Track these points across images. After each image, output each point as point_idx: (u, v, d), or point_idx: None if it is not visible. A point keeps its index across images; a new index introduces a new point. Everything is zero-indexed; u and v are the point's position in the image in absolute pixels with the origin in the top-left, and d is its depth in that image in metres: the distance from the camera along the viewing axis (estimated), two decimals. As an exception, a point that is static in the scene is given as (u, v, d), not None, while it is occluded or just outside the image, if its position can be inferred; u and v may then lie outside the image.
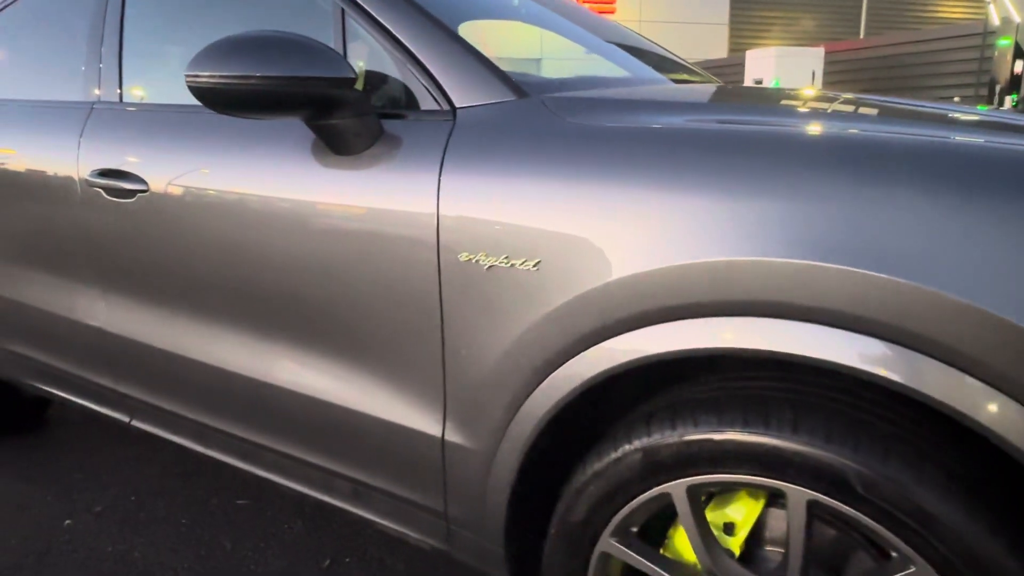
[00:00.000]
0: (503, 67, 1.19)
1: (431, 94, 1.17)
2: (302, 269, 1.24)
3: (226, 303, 1.39)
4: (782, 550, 0.95)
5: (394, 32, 1.21)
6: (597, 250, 0.94)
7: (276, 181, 1.26)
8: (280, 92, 1.10)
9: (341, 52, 1.29)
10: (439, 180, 1.08)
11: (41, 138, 1.72)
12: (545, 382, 1.02)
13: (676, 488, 0.94)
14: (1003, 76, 9.98)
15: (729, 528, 0.97)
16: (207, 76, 1.10)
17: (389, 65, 1.24)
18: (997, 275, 0.71)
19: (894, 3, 20.67)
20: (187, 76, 1.11)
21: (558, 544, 1.07)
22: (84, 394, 1.84)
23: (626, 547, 1.01)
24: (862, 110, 1.17)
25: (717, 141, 0.92)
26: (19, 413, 2.40)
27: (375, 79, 1.25)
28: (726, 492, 0.97)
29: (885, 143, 0.84)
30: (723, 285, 0.85)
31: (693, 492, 0.94)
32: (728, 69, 14.99)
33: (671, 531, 1.04)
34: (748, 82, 13.74)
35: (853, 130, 0.90)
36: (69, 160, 1.62)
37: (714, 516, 0.97)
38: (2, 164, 1.80)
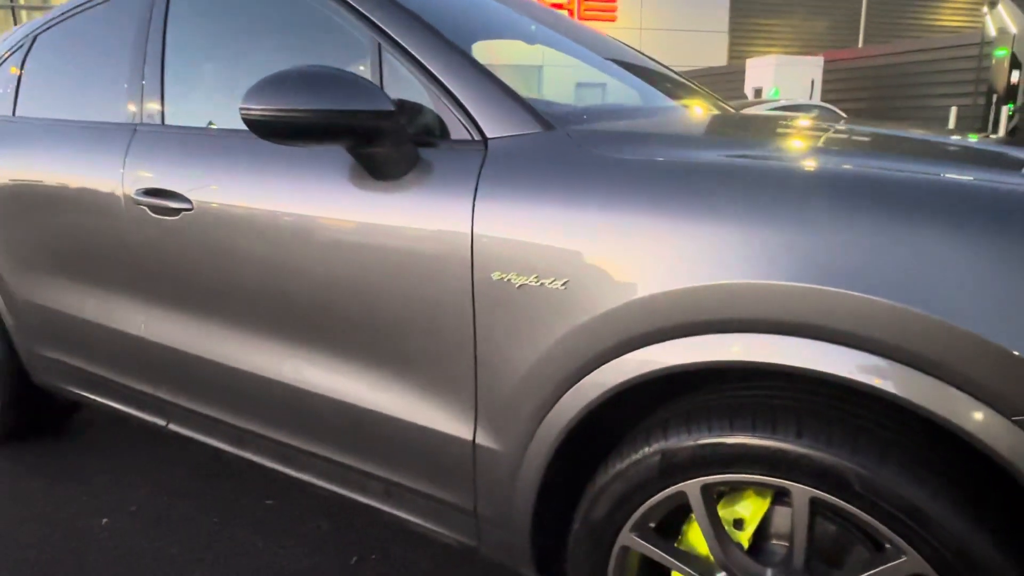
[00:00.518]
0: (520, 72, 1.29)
1: (463, 125, 1.27)
2: (342, 284, 1.34)
3: (267, 315, 1.49)
4: (786, 543, 1.05)
5: (429, 67, 1.32)
6: (619, 272, 1.04)
7: (317, 202, 1.36)
8: (326, 124, 1.20)
9: (378, 83, 1.39)
10: (473, 205, 1.18)
11: (87, 157, 1.82)
12: (571, 391, 1.11)
13: (691, 487, 1.04)
14: (1000, 85, 10.11)
15: (738, 523, 1.07)
16: (260, 109, 1.20)
17: (423, 96, 1.34)
18: (973, 297, 0.81)
19: (892, 12, 20.83)
20: (241, 108, 1.22)
21: (582, 538, 1.17)
22: (122, 399, 1.94)
23: (644, 541, 1.11)
24: (857, 144, 1.27)
25: (726, 175, 1.02)
26: (50, 419, 2.50)
27: (410, 109, 1.35)
28: (735, 491, 1.07)
29: (877, 179, 0.94)
30: (732, 304, 0.95)
31: (707, 491, 1.04)
32: (728, 77, 15.16)
33: (685, 527, 1.14)
34: (748, 89, 13.88)
35: (848, 166, 1.00)
36: (114, 178, 1.72)
37: (725, 512, 1.07)
38: (48, 181, 1.90)
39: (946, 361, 0.83)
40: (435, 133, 1.32)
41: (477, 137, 1.25)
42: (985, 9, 10.12)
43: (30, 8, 16.90)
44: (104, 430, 2.57)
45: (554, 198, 1.11)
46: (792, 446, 0.95)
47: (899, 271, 0.85)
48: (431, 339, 1.26)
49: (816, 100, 12.13)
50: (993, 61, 10.13)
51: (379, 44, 1.41)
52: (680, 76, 2.17)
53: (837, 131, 1.39)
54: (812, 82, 12.67)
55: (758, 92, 12.97)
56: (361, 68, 1.54)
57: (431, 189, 1.24)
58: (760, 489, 1.05)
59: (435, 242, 1.21)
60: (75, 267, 1.89)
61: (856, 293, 0.86)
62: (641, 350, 1.03)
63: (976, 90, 10.65)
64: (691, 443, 1.02)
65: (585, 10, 18.17)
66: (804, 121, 1.61)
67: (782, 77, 12.71)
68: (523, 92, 1.31)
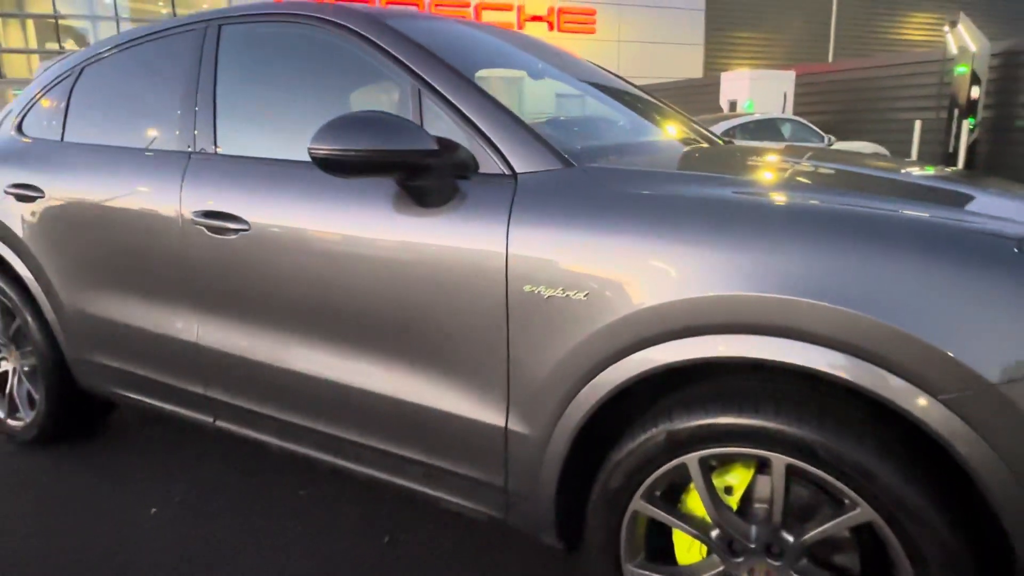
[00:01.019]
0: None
1: (495, 162, 1.51)
2: (389, 296, 1.57)
3: (318, 322, 1.71)
4: (766, 505, 1.30)
5: (466, 112, 1.56)
6: (632, 285, 1.28)
7: (367, 226, 1.59)
8: (382, 161, 1.44)
9: (417, 123, 1.63)
10: (508, 229, 1.42)
11: (144, 180, 2.02)
12: (591, 383, 1.36)
13: (691, 460, 1.29)
14: (961, 101, 10.61)
15: (728, 490, 1.32)
16: (327, 149, 1.44)
17: (456, 135, 1.58)
18: (903, 303, 1.06)
19: (860, 28, 21.51)
20: (310, 148, 1.45)
21: (599, 506, 1.41)
22: (171, 400, 2.15)
23: (652, 506, 1.36)
24: (827, 181, 1.54)
25: (720, 207, 1.27)
26: (89, 420, 2.68)
27: (447, 147, 1.58)
28: (725, 464, 1.32)
29: (837, 213, 1.19)
30: (726, 311, 1.20)
31: (703, 462, 1.28)
32: (704, 89, 15.59)
33: (683, 495, 1.38)
34: (723, 102, 14.29)
35: (816, 201, 1.25)
36: (171, 201, 1.94)
37: (717, 482, 1.32)
38: (104, 202, 2.10)
39: (885, 353, 1.08)
40: (468, 167, 1.55)
41: (507, 172, 1.49)
42: (947, 28, 10.62)
43: (135, 20, 17.31)
44: (138, 431, 2.76)
45: (577, 225, 1.35)
46: (771, 424, 1.20)
47: (850, 285, 1.10)
48: (469, 342, 1.49)
49: (788, 113, 12.55)
50: (954, 78, 10.64)
51: (418, 90, 1.64)
52: (674, 109, 2.43)
53: (814, 167, 1.66)
54: (784, 95, 13.11)
55: (733, 105, 13.38)
56: (396, 106, 1.78)
57: (470, 216, 1.47)
58: (746, 461, 1.30)
59: (474, 260, 1.45)
60: (130, 280, 2.09)
61: (820, 302, 1.12)
62: (650, 349, 1.28)
63: (939, 105, 11.15)
64: (691, 424, 1.27)
65: (565, 23, 18.54)
66: (778, 156, 1.88)
67: (756, 90, 13.14)
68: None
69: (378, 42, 1.71)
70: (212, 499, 2.24)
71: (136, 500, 2.24)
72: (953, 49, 10.58)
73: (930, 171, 1.87)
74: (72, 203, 2.20)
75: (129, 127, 2.21)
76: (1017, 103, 10.46)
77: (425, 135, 1.46)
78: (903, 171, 1.75)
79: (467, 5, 18.24)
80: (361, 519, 2.12)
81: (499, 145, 1.51)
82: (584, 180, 1.43)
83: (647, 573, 1.41)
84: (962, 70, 10.44)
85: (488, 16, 17.95)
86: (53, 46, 18.61)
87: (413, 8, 16.84)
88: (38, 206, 2.29)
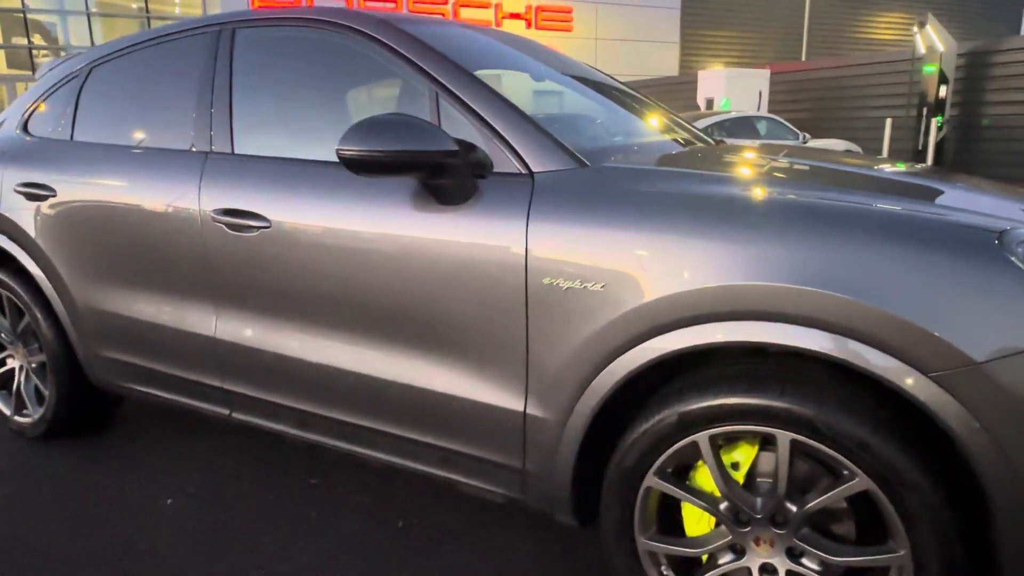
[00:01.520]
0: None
1: (511, 161, 1.60)
2: (411, 288, 1.65)
3: (340, 315, 1.79)
4: (770, 479, 1.41)
5: (483, 115, 1.64)
6: (647, 276, 1.38)
7: (389, 222, 1.67)
8: (407, 162, 1.53)
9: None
10: (527, 225, 1.51)
11: (161, 179, 2.08)
12: (607, 368, 1.45)
13: (702, 438, 1.39)
14: (930, 99, 10.91)
15: (735, 465, 1.43)
16: (356, 150, 1.52)
17: (472, 136, 1.66)
18: (895, 288, 1.18)
19: (831, 27, 21.93)
20: (339, 149, 1.53)
21: (615, 483, 1.51)
22: (186, 393, 2.20)
23: (665, 482, 1.46)
24: (818, 178, 1.65)
25: (725, 203, 1.38)
26: (98, 415, 2.72)
27: (465, 148, 1.66)
28: (731, 441, 1.43)
29: (829, 208, 1.31)
30: (733, 300, 1.30)
31: (713, 440, 1.39)
32: (681, 87, 15.81)
33: (692, 472, 1.49)
34: (700, 99, 14.50)
35: (809, 198, 1.36)
36: (190, 199, 1.99)
37: (724, 458, 1.42)
38: (120, 200, 2.15)
39: (880, 336, 1.20)
40: (485, 167, 1.63)
41: (524, 171, 1.59)
42: (915, 29, 10.92)
43: (161, 18, 17.12)
44: (150, 424, 2.80)
45: (595, 221, 1.45)
46: (777, 402, 1.31)
47: (852, 275, 1.22)
48: (489, 331, 1.58)
49: (764, 111, 12.80)
50: (923, 77, 10.94)
51: (435, 92, 1.72)
52: (667, 110, 2.54)
53: (811, 167, 1.78)
54: (760, 94, 13.35)
55: (710, 103, 13.60)
56: (409, 109, 1.86)
57: (489, 213, 1.56)
58: (751, 439, 1.41)
59: (495, 255, 1.54)
60: (145, 277, 2.15)
61: (818, 290, 1.23)
62: (664, 335, 1.38)
63: (908, 103, 11.45)
64: (703, 404, 1.37)
65: (542, 20, 18.64)
66: (772, 155, 1.99)
67: (732, 88, 13.37)
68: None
69: (395, 46, 1.79)
70: (225, 489, 2.30)
71: (151, 491, 2.30)
72: (921, 49, 10.88)
73: (901, 167, 1.99)
74: (86, 202, 2.24)
75: (142, 127, 2.26)
76: (983, 101, 10.80)
77: (447, 136, 1.55)
78: (888, 169, 1.88)
79: (444, 3, 18.24)
80: (373, 505, 2.20)
81: (516, 146, 1.60)
82: (599, 179, 1.52)
83: (659, 545, 1.51)
84: (930, 69, 10.74)
85: (466, 14, 17.98)
86: (21, 40, 18.26)
87: (421, 14, 16.81)
88: (49, 205, 2.32)
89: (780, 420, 1.31)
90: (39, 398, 2.62)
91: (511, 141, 1.61)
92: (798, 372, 1.35)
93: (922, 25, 10.74)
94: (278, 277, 1.87)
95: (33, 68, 17.19)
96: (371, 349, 1.77)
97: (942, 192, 1.63)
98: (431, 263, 1.62)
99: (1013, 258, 1.19)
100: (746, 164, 1.80)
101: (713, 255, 1.33)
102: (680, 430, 1.41)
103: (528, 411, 1.58)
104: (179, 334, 2.11)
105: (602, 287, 1.43)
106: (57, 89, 2.52)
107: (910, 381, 1.20)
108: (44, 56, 18.03)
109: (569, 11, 18.97)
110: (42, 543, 2.03)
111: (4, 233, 2.48)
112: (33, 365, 2.62)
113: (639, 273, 1.39)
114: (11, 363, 2.71)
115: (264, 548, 1.98)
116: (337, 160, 1.78)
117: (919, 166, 2.06)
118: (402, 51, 1.78)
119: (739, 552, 1.45)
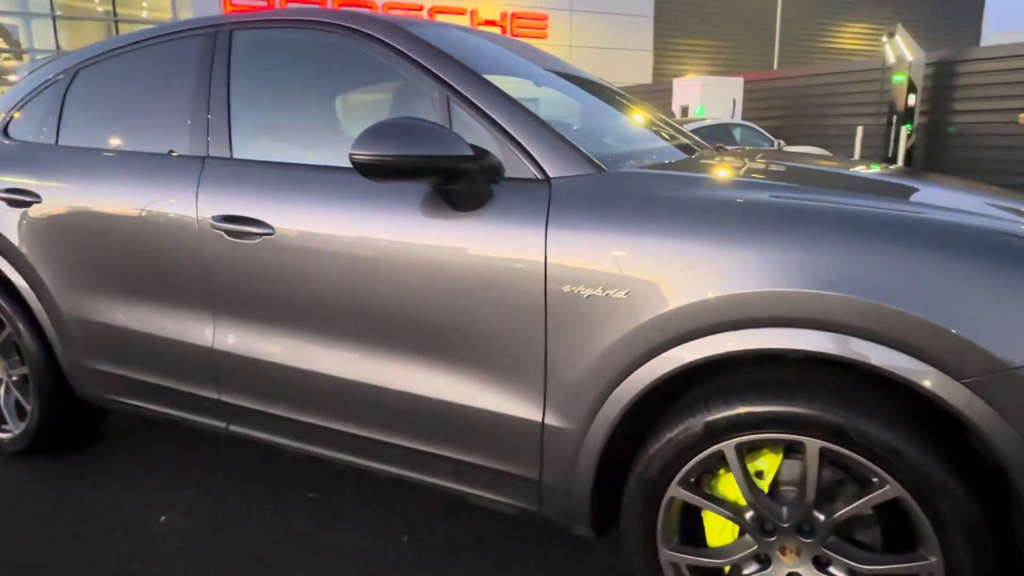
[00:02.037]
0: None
1: (527, 166, 1.57)
2: (425, 296, 1.61)
3: (347, 324, 1.74)
4: (794, 488, 1.39)
5: (498, 120, 1.61)
6: (671, 283, 1.36)
7: (400, 229, 1.63)
8: (421, 167, 1.49)
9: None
10: (546, 231, 1.48)
11: (155, 185, 2.00)
12: (629, 377, 1.43)
13: (728, 447, 1.38)
14: (899, 108, 11.15)
15: (760, 474, 1.41)
16: (370, 155, 1.47)
17: (485, 140, 1.63)
18: (927, 294, 1.17)
19: (803, 36, 22.37)
20: (352, 153, 1.48)
21: (637, 493, 1.49)
22: (179, 406, 2.13)
23: (689, 491, 1.44)
24: (834, 182, 1.65)
25: (752, 208, 1.36)
26: (82, 429, 2.62)
27: (479, 153, 1.63)
28: (754, 450, 1.41)
29: (851, 213, 1.30)
30: (764, 307, 1.29)
31: (740, 448, 1.37)
32: (656, 95, 15.94)
33: (714, 481, 1.47)
34: (675, 107, 14.64)
35: (831, 203, 1.35)
36: (187, 206, 1.93)
37: (749, 466, 1.41)
38: (111, 207, 2.07)
39: (912, 342, 1.19)
40: (498, 172, 1.60)
41: (541, 177, 1.56)
42: (885, 39, 11.15)
43: (129, 21, 16.68)
44: (138, 438, 2.71)
45: (617, 227, 1.43)
46: (806, 410, 1.29)
47: (879, 280, 1.21)
48: (506, 340, 1.55)
49: (738, 119, 12.96)
50: (892, 85, 11.18)
51: (447, 97, 1.69)
52: (665, 117, 2.53)
53: (824, 172, 1.78)
54: (734, 101, 13.52)
55: (685, 110, 13.73)
56: (418, 113, 1.82)
57: (505, 219, 1.53)
58: (774, 447, 1.39)
59: (513, 261, 1.51)
60: (138, 285, 2.07)
61: (848, 295, 1.22)
62: (691, 343, 1.36)
63: (879, 111, 11.69)
64: (729, 413, 1.35)
65: (518, 27, 18.68)
66: (781, 160, 1.99)
67: (707, 96, 13.52)
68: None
69: (405, 50, 1.75)
70: (222, 504, 2.23)
71: (144, 508, 2.21)
72: (891, 58, 11.11)
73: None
74: (74, 209, 2.16)
75: (133, 131, 2.18)
76: (950, 109, 11.06)
77: (461, 141, 1.51)
78: (893, 172, 1.89)
79: (420, 8, 18.19)
80: (376, 519, 2.14)
81: (532, 151, 1.57)
82: (619, 184, 1.50)
83: (682, 556, 1.49)
84: (899, 78, 10.97)
85: (442, 20, 17.94)
86: (-16, 43, 17.75)
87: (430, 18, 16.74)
88: (34, 211, 2.23)
89: (809, 428, 1.30)
90: (20, 412, 2.52)
91: (527, 146, 1.58)
92: (824, 378, 1.34)
93: (891, 35, 10.98)
94: (282, 285, 1.81)
95: (-6, 71, 16.72)
96: (380, 358, 1.72)
97: (964, 198, 1.64)
98: (444, 269, 1.58)
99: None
100: (762, 169, 1.79)
101: (744, 260, 1.31)
102: (706, 439, 1.39)
103: (546, 421, 1.55)
104: (173, 344, 2.04)
105: (626, 294, 1.41)
106: (40, 92, 2.43)
107: (943, 387, 1.19)
108: (6, 60, 17.55)
109: (545, 18, 19.04)
110: (29, 566, 1.93)
111: (-17, 241, 2.38)
112: (14, 378, 2.51)
113: (665, 279, 1.37)
114: (-11, 376, 2.60)
115: (266, 566, 1.92)
116: (342, 165, 1.76)
117: (930, 173, 2.08)
118: (412, 55, 1.74)
119: (764, 562, 1.44)
